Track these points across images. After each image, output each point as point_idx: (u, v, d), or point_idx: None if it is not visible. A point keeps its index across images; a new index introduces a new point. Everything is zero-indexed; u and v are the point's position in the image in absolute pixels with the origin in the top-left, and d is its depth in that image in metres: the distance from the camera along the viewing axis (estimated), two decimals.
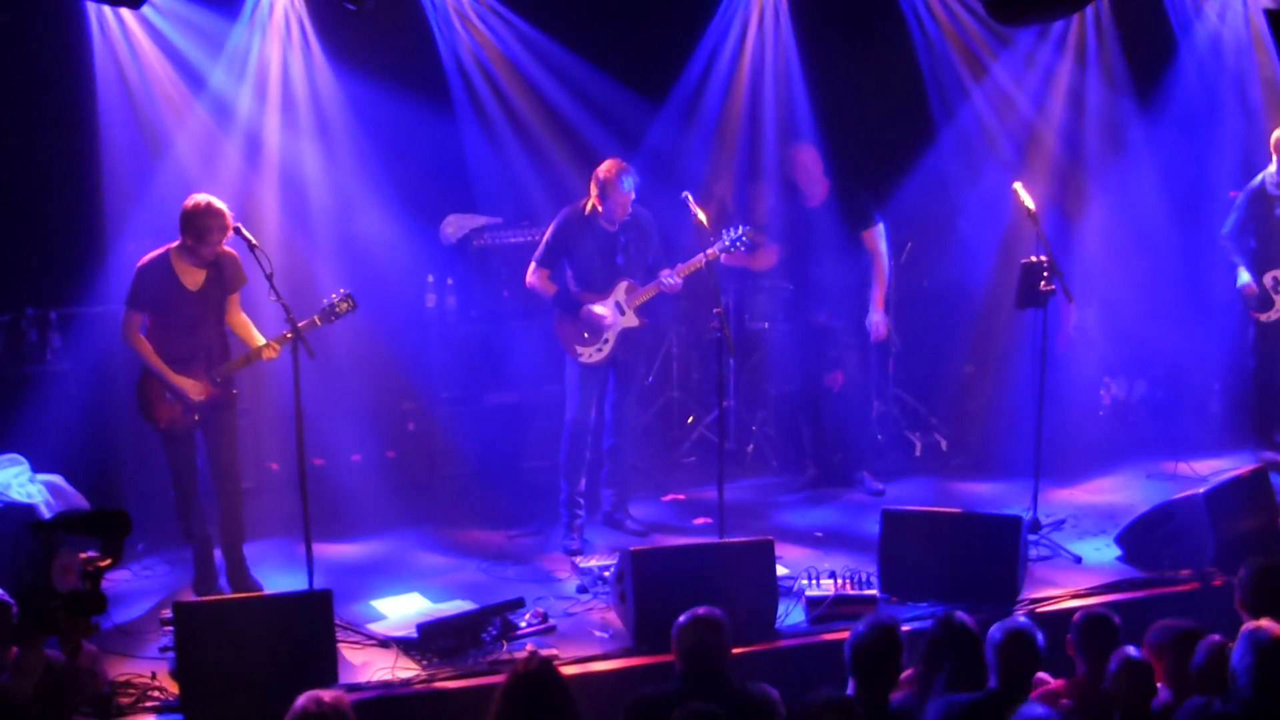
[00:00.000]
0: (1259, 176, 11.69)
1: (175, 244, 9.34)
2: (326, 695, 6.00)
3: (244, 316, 9.58)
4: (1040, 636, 6.85)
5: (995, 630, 6.86)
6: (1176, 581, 9.45)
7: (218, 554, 9.69)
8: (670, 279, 10.24)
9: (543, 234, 10.58)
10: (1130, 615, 7.42)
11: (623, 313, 10.38)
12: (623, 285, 10.36)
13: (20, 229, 10.97)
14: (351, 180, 11.38)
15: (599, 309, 10.30)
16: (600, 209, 10.23)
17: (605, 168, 10.22)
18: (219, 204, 9.22)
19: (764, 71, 12.90)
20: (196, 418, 9.41)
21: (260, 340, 9.43)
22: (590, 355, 10.39)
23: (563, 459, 10.64)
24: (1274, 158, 11.51)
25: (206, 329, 9.41)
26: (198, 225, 9.16)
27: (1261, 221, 11.69)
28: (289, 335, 9.08)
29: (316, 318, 9.31)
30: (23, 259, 10.98)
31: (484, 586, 9.74)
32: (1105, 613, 7.37)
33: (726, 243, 10.14)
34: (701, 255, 10.13)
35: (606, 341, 10.37)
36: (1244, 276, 11.71)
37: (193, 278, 9.36)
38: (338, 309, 9.37)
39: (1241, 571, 7.67)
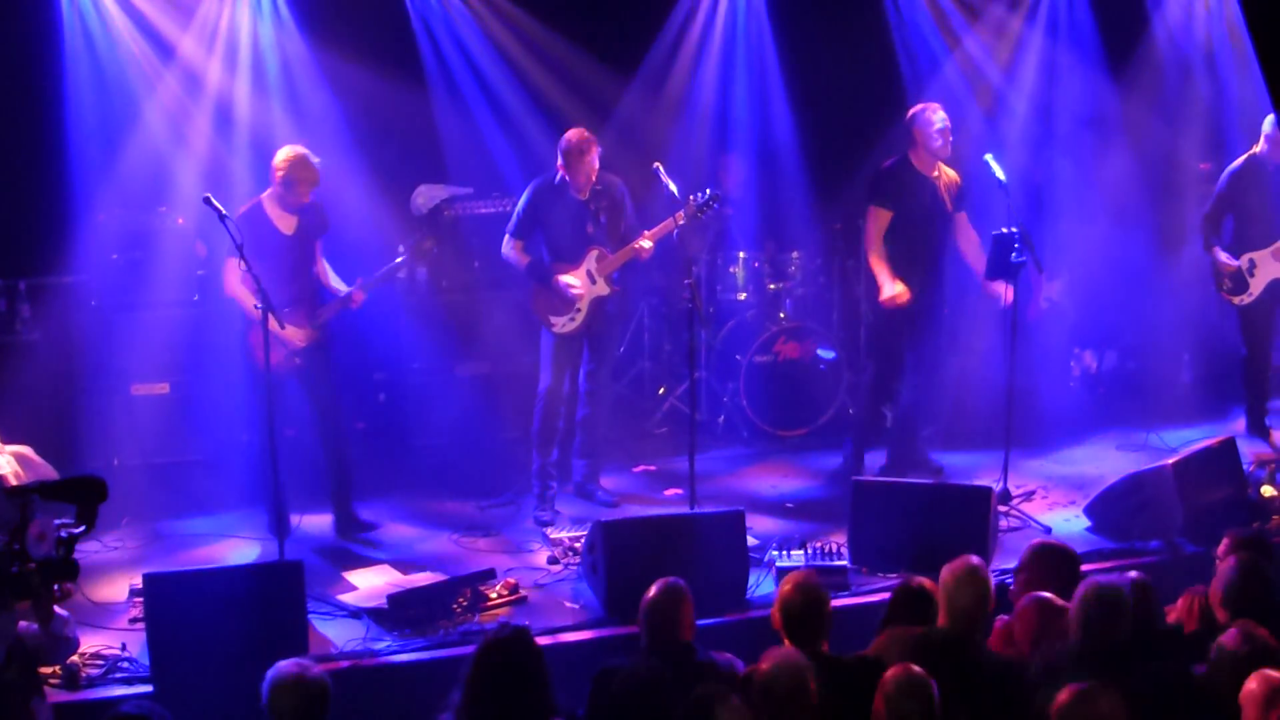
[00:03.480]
0: (1241, 158, 11.56)
1: (266, 192, 9.75)
2: (301, 666, 6.00)
3: (324, 263, 10.07)
4: (993, 581, 6.92)
5: (945, 570, 6.91)
6: (1146, 552, 9.50)
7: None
8: (637, 244, 10.25)
9: (514, 204, 10.59)
10: None
11: (594, 281, 10.37)
12: (593, 254, 10.35)
13: None
14: (321, 150, 11.30)
15: (570, 278, 10.30)
16: (568, 179, 10.23)
17: (567, 138, 10.25)
18: (303, 151, 9.67)
19: (735, 43, 12.91)
20: (298, 361, 9.73)
21: (343, 287, 9.97)
22: (564, 325, 10.39)
23: (535, 430, 10.63)
24: (1264, 143, 11.33)
25: (303, 274, 9.79)
26: (288, 175, 9.60)
27: (1240, 204, 11.55)
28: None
29: (399, 258, 9.96)
30: None
31: (455, 557, 9.75)
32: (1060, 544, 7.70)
33: (694, 207, 10.11)
34: (671, 219, 10.14)
35: (579, 311, 10.36)
36: (1221, 258, 11.37)
37: (287, 223, 9.74)
38: (424, 247, 10.06)
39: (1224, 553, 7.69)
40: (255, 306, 9.07)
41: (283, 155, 9.68)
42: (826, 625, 6.82)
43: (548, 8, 12.16)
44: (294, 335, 9.69)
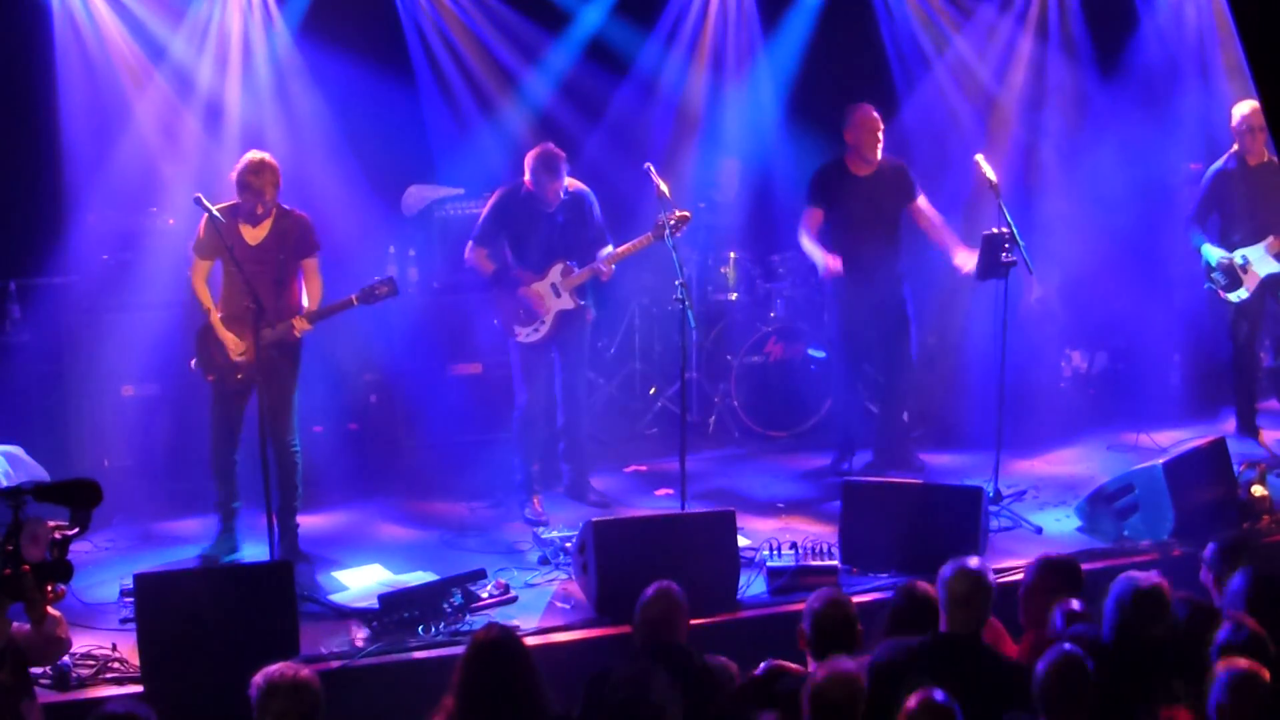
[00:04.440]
0: (1224, 157, 11.53)
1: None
2: (292, 669, 5.99)
3: (316, 284, 9.60)
4: (991, 578, 6.84)
5: (945, 569, 6.85)
6: (1136, 552, 9.49)
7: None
8: (604, 265, 10.24)
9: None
10: (1090, 586, 7.45)
11: (558, 295, 10.36)
12: (558, 267, 10.33)
13: None
14: (313, 151, 11.33)
15: (534, 291, 10.31)
16: (534, 192, 10.23)
17: (533, 153, 10.24)
18: (260, 158, 9.30)
19: (726, 44, 12.91)
20: (239, 376, 9.36)
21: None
22: (528, 335, 10.39)
23: (516, 444, 10.68)
24: (1236, 139, 11.35)
25: (262, 288, 9.17)
26: (241, 181, 9.25)
27: (1225, 203, 11.49)
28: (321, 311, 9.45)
29: (354, 297, 9.47)
30: None
31: (446, 558, 9.72)
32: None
33: (662, 227, 9.81)
34: (639, 239, 10.11)
35: (543, 322, 10.36)
36: (1215, 254, 11.25)
37: (253, 233, 9.40)
38: (377, 291, 9.50)
39: (1213, 554, 7.69)
40: (248, 306, 9.03)
41: (239, 163, 9.38)
42: (858, 641, 6.80)
43: (539, 7, 12.16)
44: (235, 348, 9.38)
